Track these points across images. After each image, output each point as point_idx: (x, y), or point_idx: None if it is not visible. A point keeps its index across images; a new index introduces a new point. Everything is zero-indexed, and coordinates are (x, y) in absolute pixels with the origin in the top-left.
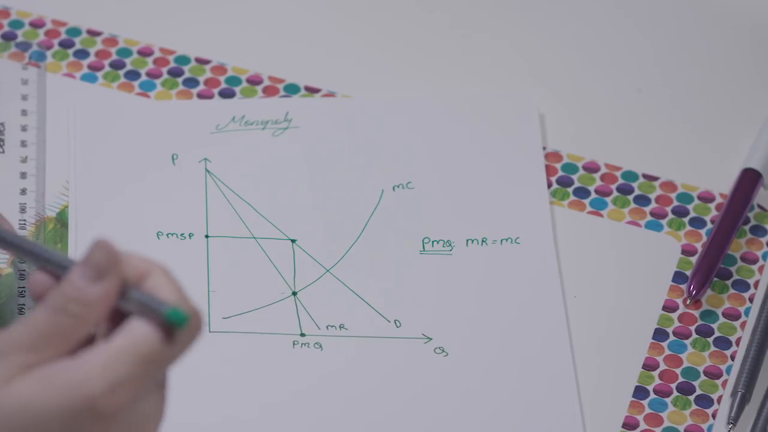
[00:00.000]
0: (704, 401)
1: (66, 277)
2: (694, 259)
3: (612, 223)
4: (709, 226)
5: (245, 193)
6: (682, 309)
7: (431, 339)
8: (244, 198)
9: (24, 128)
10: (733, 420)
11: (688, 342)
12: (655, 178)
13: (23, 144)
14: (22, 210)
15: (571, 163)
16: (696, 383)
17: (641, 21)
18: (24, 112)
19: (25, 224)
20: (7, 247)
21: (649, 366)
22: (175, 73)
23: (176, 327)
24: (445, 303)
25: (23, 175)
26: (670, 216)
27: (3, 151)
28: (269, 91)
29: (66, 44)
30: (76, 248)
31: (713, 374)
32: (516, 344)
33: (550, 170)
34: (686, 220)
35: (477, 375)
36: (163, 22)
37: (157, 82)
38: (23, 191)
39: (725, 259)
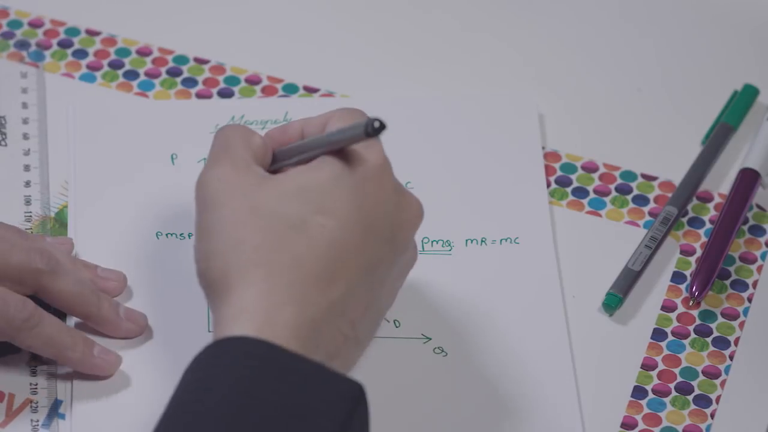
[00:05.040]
0: (703, 401)
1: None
2: (692, 259)
3: (611, 223)
4: (708, 226)
5: None
6: (680, 309)
7: (430, 339)
8: None
9: (25, 121)
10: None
11: (686, 342)
12: (654, 178)
13: (25, 137)
14: (27, 202)
15: (570, 163)
16: (694, 383)
17: (641, 21)
18: (24, 105)
19: (30, 216)
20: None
21: (647, 366)
22: (174, 72)
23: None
24: (444, 303)
25: (27, 168)
26: None
27: (5, 144)
28: (268, 91)
29: (65, 44)
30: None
31: (712, 374)
32: (515, 344)
33: (549, 170)
34: (685, 220)
35: (476, 375)
36: (161, 22)
37: (156, 81)
38: (27, 183)
39: (724, 260)
